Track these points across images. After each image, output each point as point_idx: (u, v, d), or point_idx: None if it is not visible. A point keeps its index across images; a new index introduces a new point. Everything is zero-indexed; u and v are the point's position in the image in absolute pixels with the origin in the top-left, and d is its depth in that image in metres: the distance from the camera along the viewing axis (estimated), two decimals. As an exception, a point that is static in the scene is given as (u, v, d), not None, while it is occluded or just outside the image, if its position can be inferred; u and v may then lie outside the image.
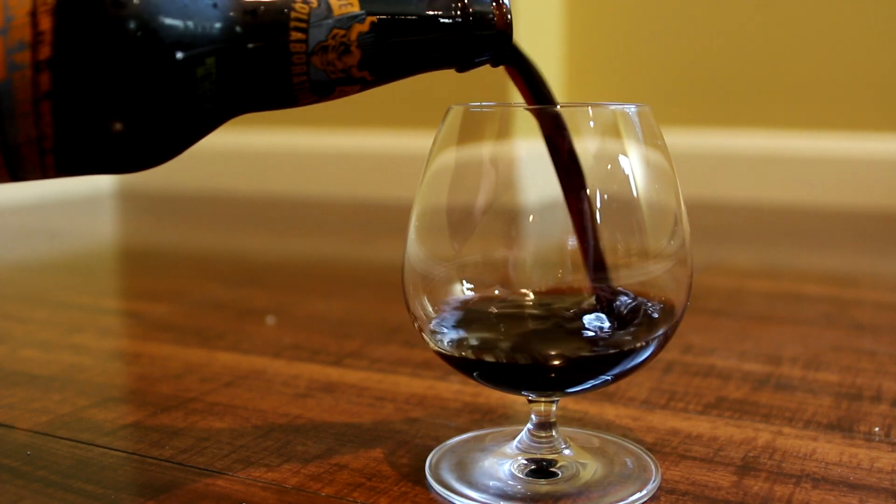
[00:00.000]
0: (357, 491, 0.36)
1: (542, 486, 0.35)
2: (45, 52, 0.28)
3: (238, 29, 0.31)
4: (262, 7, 0.31)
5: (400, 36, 0.32)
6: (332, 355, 0.55)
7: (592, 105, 0.34)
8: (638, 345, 0.34)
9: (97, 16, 0.28)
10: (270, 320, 0.64)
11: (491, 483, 0.35)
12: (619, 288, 0.35)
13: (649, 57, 1.33)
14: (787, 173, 1.24)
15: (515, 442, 0.38)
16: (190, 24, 0.30)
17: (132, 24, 0.28)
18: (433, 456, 0.38)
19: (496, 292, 0.37)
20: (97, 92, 0.29)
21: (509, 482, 0.36)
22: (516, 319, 0.37)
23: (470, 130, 0.35)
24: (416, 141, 1.25)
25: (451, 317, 0.36)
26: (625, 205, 0.34)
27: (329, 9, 0.31)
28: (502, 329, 0.37)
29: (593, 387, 0.36)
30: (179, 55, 0.29)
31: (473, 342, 0.35)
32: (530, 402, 0.37)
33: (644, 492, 0.35)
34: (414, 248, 0.36)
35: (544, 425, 0.37)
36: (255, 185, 1.48)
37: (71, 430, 0.43)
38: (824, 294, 0.72)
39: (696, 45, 1.30)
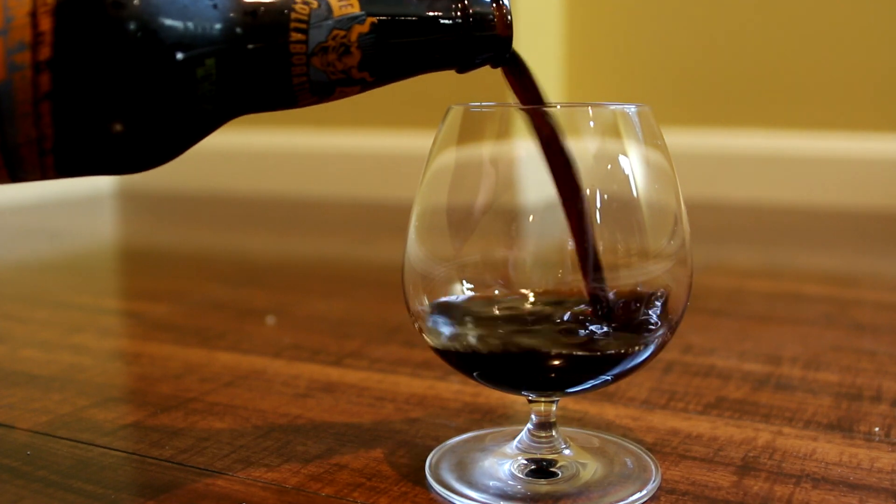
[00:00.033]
0: (357, 491, 0.36)
1: (542, 486, 0.35)
2: (45, 52, 0.28)
3: (238, 30, 0.31)
4: (263, 8, 0.31)
5: (400, 37, 0.32)
6: (332, 355, 0.55)
7: (592, 105, 0.34)
8: (638, 345, 0.34)
9: (97, 17, 0.28)
10: (270, 320, 0.64)
11: (491, 483, 0.35)
12: (619, 288, 0.35)
13: (649, 57, 1.33)
14: (787, 173, 1.24)
15: (515, 442, 0.38)
16: (190, 24, 0.30)
17: (132, 25, 0.28)
18: (433, 456, 0.39)
19: (496, 292, 0.37)
20: (97, 93, 0.29)
21: (509, 482, 0.36)
22: (516, 319, 0.37)
23: (470, 130, 0.35)
24: (416, 141, 1.25)
25: (452, 317, 0.36)
26: (625, 205, 0.34)
27: (329, 10, 0.31)
28: (502, 329, 0.37)
29: (593, 387, 0.36)
30: (179, 56, 0.29)
31: (473, 342, 0.35)
32: (530, 402, 0.37)
33: (644, 492, 0.35)
34: (414, 248, 0.36)
35: (544, 425, 0.37)
36: (255, 185, 1.48)
37: (71, 430, 0.43)
38: (824, 294, 0.72)
39: (696, 45, 1.30)
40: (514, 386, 0.36)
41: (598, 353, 0.35)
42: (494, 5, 0.33)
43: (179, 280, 0.83)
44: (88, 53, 0.28)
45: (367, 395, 0.47)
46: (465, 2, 0.33)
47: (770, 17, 1.25)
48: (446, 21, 0.32)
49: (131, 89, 0.29)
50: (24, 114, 0.28)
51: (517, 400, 0.46)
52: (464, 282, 0.36)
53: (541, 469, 0.36)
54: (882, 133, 1.20)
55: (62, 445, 0.41)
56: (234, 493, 0.36)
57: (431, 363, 0.52)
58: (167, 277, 0.85)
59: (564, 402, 0.45)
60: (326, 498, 0.35)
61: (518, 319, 0.37)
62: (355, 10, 0.31)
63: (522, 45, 0.35)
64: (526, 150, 0.35)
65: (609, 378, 0.35)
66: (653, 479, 0.36)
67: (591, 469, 0.37)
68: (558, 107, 0.35)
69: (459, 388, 0.48)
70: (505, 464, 0.37)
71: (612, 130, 0.34)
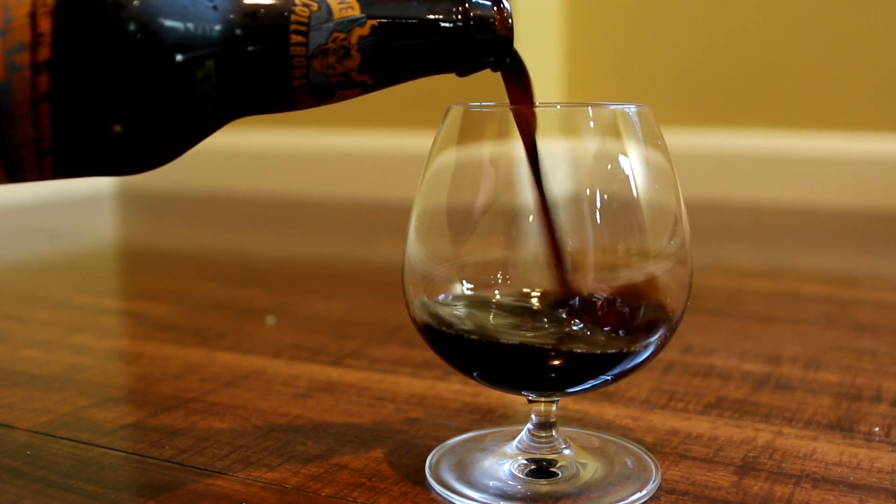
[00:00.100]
0: (357, 491, 0.36)
1: (542, 486, 0.35)
2: (44, 53, 0.28)
3: (238, 31, 0.31)
4: (263, 10, 0.31)
5: (400, 40, 0.32)
6: (332, 355, 0.55)
7: (592, 105, 0.34)
8: (638, 345, 0.34)
9: (97, 17, 0.28)
10: (270, 320, 0.64)
11: (491, 483, 0.35)
12: (619, 288, 0.35)
13: (649, 57, 1.33)
14: (787, 173, 1.24)
15: (515, 442, 0.38)
16: (190, 26, 0.30)
17: (132, 26, 0.28)
18: (433, 456, 0.39)
19: (496, 292, 0.37)
20: (96, 94, 0.29)
21: (509, 482, 0.36)
22: (516, 320, 0.37)
23: (470, 130, 0.35)
24: (416, 141, 1.25)
25: (451, 317, 0.36)
26: (625, 205, 0.34)
27: (329, 12, 0.31)
28: (502, 329, 0.37)
29: (593, 387, 0.36)
30: (179, 57, 0.29)
31: (474, 342, 0.35)
32: (530, 402, 0.37)
33: (644, 492, 0.35)
34: (414, 248, 0.36)
35: (544, 425, 0.37)
36: (255, 185, 1.48)
37: (71, 430, 0.43)
38: (824, 294, 0.72)
39: (696, 45, 1.30)
40: (514, 386, 0.36)
41: (598, 353, 0.35)
42: (495, 8, 0.33)
43: (179, 280, 0.83)
44: (88, 54, 0.28)
45: (367, 395, 0.47)
46: (466, 5, 0.33)
47: (770, 17, 1.25)
48: (447, 24, 0.32)
49: (130, 91, 0.29)
50: (22, 114, 0.28)
51: (517, 400, 0.46)
52: (464, 282, 0.36)
53: (541, 469, 0.36)
54: (882, 133, 1.20)
55: (62, 445, 0.41)
56: (234, 493, 0.36)
57: (431, 363, 0.52)
58: (167, 277, 0.85)
59: (564, 402, 0.45)
60: (326, 498, 0.35)
61: (518, 319, 0.37)
62: (355, 12, 0.31)
63: (522, 45, 0.35)
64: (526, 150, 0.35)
65: (609, 378, 0.35)
66: (653, 479, 0.36)
67: (591, 469, 0.37)
68: (558, 107, 0.35)
69: (459, 388, 0.48)
70: (505, 464, 0.37)
71: (612, 130, 0.34)
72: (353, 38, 0.31)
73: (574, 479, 0.36)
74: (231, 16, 0.31)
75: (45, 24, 0.28)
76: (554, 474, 0.36)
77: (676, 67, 1.31)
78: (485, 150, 0.35)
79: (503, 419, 0.44)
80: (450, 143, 0.35)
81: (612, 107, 0.34)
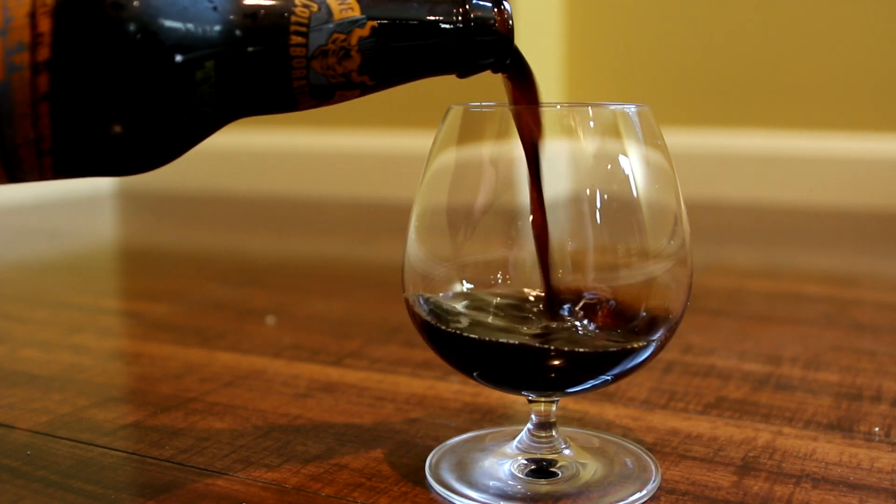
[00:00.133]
0: (357, 491, 0.36)
1: (542, 486, 0.35)
2: (43, 53, 0.28)
3: (238, 32, 0.31)
4: (263, 11, 0.31)
5: (401, 41, 0.32)
6: (332, 355, 0.55)
7: (592, 105, 0.34)
8: (638, 345, 0.34)
9: (96, 18, 0.28)
10: (270, 320, 0.64)
11: (491, 483, 0.35)
12: (619, 288, 0.35)
13: (649, 57, 1.33)
14: (787, 173, 1.24)
15: (515, 442, 0.38)
16: (189, 26, 0.30)
17: (131, 27, 0.28)
18: (433, 456, 0.39)
19: (496, 292, 0.37)
20: (96, 94, 0.29)
21: (509, 482, 0.36)
22: (516, 319, 0.37)
23: (470, 130, 0.35)
24: (416, 141, 1.25)
25: (451, 317, 0.36)
26: (625, 205, 0.34)
27: (330, 13, 0.31)
28: (502, 329, 0.37)
29: (593, 387, 0.36)
30: (179, 58, 0.29)
31: (474, 342, 0.35)
32: (530, 402, 0.37)
33: (644, 492, 0.35)
34: (414, 248, 0.36)
35: (544, 425, 0.37)
36: (255, 185, 1.48)
37: (71, 430, 0.43)
38: (824, 294, 0.72)
39: (696, 45, 1.30)
40: (514, 386, 0.36)
41: (598, 353, 0.35)
42: (496, 10, 0.33)
43: (179, 280, 0.83)
44: (87, 55, 0.28)
45: (367, 395, 0.47)
46: (467, 6, 0.32)
47: (770, 17, 1.25)
48: (447, 25, 0.32)
49: (130, 91, 0.29)
50: (22, 114, 0.28)
51: (517, 400, 0.46)
52: (464, 282, 0.36)
53: (541, 469, 0.36)
54: (882, 133, 1.20)
55: (62, 445, 0.41)
56: (234, 493, 0.36)
57: (431, 363, 0.52)
58: (167, 277, 0.85)
59: (564, 402, 0.45)
60: (326, 498, 0.35)
61: (518, 319, 0.37)
62: (356, 13, 0.31)
63: (522, 45, 0.35)
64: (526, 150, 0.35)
65: (609, 378, 0.35)
66: (653, 479, 0.36)
67: (591, 469, 0.37)
68: (558, 107, 0.35)
69: (459, 388, 0.48)
70: (505, 464, 0.37)
71: (612, 130, 0.34)
72: (353, 40, 0.31)
73: (574, 479, 0.36)
74: (231, 16, 0.31)
75: (44, 25, 0.28)
76: (554, 474, 0.36)
77: (676, 67, 1.31)
78: (485, 150, 0.35)
79: (503, 419, 0.44)
80: (450, 143, 0.35)
81: (612, 107, 0.34)
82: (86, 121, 0.29)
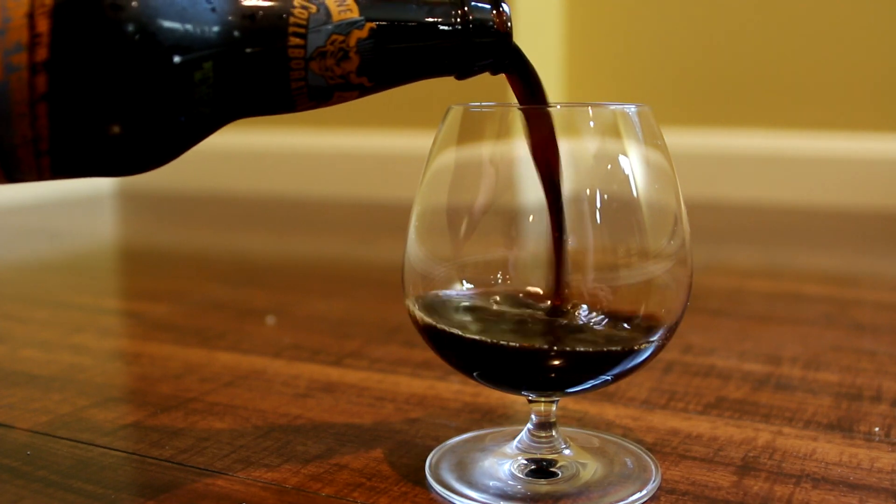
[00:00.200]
0: (357, 491, 0.36)
1: (542, 486, 0.35)
2: (41, 54, 0.28)
3: (236, 33, 0.31)
4: (261, 12, 0.31)
5: (399, 42, 0.32)
6: (332, 355, 0.55)
7: (592, 105, 0.34)
8: (638, 345, 0.34)
9: (95, 18, 0.28)
10: (270, 320, 0.64)
11: (491, 483, 0.35)
12: (619, 288, 0.35)
13: (649, 57, 1.33)
14: (787, 173, 1.24)
15: (515, 442, 0.38)
16: (188, 27, 0.30)
17: (130, 27, 0.28)
18: (433, 456, 0.38)
19: (496, 292, 0.37)
20: (94, 94, 0.29)
21: (509, 482, 0.36)
22: (516, 319, 0.37)
23: (470, 130, 0.35)
24: (416, 141, 1.25)
25: (451, 317, 0.36)
26: (625, 205, 0.34)
27: (328, 14, 0.31)
28: (502, 329, 0.37)
29: (593, 387, 0.36)
30: (177, 59, 0.29)
31: (474, 342, 0.35)
32: (530, 402, 0.37)
33: (644, 492, 0.35)
34: (414, 248, 0.36)
35: (544, 425, 0.37)
36: (255, 185, 1.48)
37: (71, 430, 0.43)
38: (824, 294, 0.72)
39: (696, 45, 1.30)
40: (514, 386, 0.36)
41: (598, 353, 0.35)
42: (494, 12, 0.33)
43: (179, 280, 0.83)
44: (85, 55, 0.28)
45: (367, 395, 0.47)
46: (465, 8, 0.32)
47: (770, 17, 1.25)
48: (446, 27, 0.32)
49: (128, 92, 0.29)
50: (20, 115, 0.28)
51: (517, 400, 0.46)
52: (464, 282, 0.36)
53: (541, 469, 0.36)
54: (882, 133, 1.20)
55: (62, 445, 0.41)
56: (234, 493, 0.36)
57: (431, 363, 0.52)
58: (167, 277, 0.85)
59: (564, 402, 0.45)
60: (326, 498, 0.35)
61: (518, 319, 0.37)
62: (354, 15, 0.31)
63: (522, 45, 0.35)
64: (526, 150, 0.35)
65: (609, 378, 0.35)
66: (653, 479, 0.36)
67: (591, 469, 0.37)
68: (558, 107, 0.35)
69: (459, 388, 0.48)
70: (505, 464, 0.37)
71: (612, 130, 0.34)
72: (352, 41, 0.31)
73: (574, 479, 0.36)
74: (229, 17, 0.31)
75: (42, 25, 0.28)
76: (554, 474, 0.36)
77: (676, 67, 1.31)
78: (485, 150, 0.35)
79: (503, 419, 0.44)
80: (450, 143, 0.35)
81: (612, 107, 0.34)
82: (84, 121, 0.29)
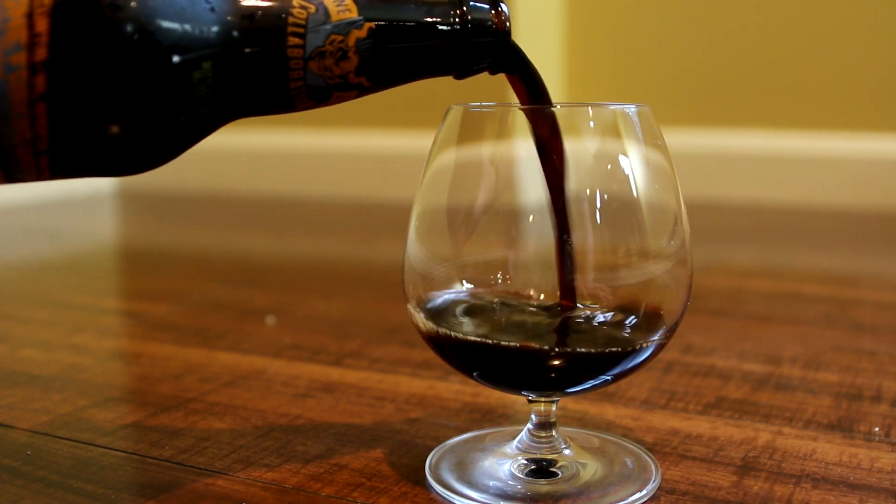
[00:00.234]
0: (357, 491, 0.36)
1: (542, 486, 0.35)
2: (41, 53, 0.28)
3: (235, 33, 0.31)
4: (260, 12, 0.31)
5: (398, 42, 0.32)
6: (332, 355, 0.55)
7: (592, 105, 0.34)
8: (638, 345, 0.34)
9: (94, 18, 0.28)
10: (270, 320, 0.64)
11: (491, 483, 0.35)
12: (619, 288, 0.35)
13: (649, 57, 1.33)
14: (787, 173, 1.24)
15: (515, 442, 0.38)
16: (187, 27, 0.30)
17: (129, 27, 0.28)
18: (433, 456, 0.38)
19: (496, 292, 0.37)
20: (93, 94, 0.29)
21: (509, 482, 0.36)
22: (516, 320, 0.37)
23: (470, 130, 0.35)
24: (416, 141, 1.25)
25: (451, 317, 0.36)
26: (625, 205, 0.34)
27: (327, 14, 0.31)
28: (502, 329, 0.37)
29: (593, 387, 0.36)
30: (176, 59, 0.29)
31: (473, 342, 0.35)
32: (530, 402, 0.37)
33: (644, 492, 0.35)
34: (414, 248, 0.36)
35: (544, 425, 0.37)
36: (255, 185, 1.48)
37: (71, 430, 0.43)
38: (824, 294, 0.72)
39: (696, 45, 1.30)
40: (514, 386, 0.36)
41: (599, 353, 0.35)
42: (493, 11, 0.33)
43: (179, 280, 0.83)
44: (85, 55, 0.28)
45: (367, 395, 0.47)
46: (464, 8, 0.32)
47: (770, 17, 1.25)
48: (444, 27, 0.32)
49: (127, 91, 0.29)
50: (19, 115, 0.28)
51: (517, 400, 0.46)
52: (464, 282, 0.36)
53: (541, 469, 0.36)
54: (882, 133, 1.20)
55: (62, 445, 0.41)
56: (234, 493, 0.36)
57: (431, 363, 0.52)
58: (167, 277, 0.85)
59: (564, 402, 0.45)
60: (326, 498, 0.35)
61: (518, 319, 0.37)
62: (353, 15, 0.31)
63: (522, 45, 0.35)
64: (526, 150, 0.35)
65: (609, 378, 0.35)
66: (653, 479, 0.36)
67: (591, 469, 0.37)
68: (558, 107, 0.35)
69: (459, 388, 0.48)
70: (505, 464, 0.37)
71: (612, 130, 0.34)
72: (351, 41, 0.31)
73: (574, 479, 0.36)
74: (228, 17, 0.31)
75: (42, 25, 0.28)
76: (554, 474, 0.36)
77: (676, 67, 1.31)
78: (485, 150, 0.35)
79: (503, 419, 0.44)
80: (450, 143, 0.35)
81: (612, 107, 0.34)
82: (83, 121, 0.29)
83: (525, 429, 0.38)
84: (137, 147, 0.30)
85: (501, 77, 0.36)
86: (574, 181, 0.35)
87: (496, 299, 0.37)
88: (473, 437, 0.41)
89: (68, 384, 0.50)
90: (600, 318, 0.36)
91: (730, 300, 0.69)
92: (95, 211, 1.37)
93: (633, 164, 0.34)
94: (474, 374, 0.36)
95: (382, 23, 0.32)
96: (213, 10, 0.30)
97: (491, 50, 0.33)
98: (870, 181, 1.19)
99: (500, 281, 0.37)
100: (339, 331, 0.61)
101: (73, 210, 1.35)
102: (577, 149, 0.34)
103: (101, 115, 0.29)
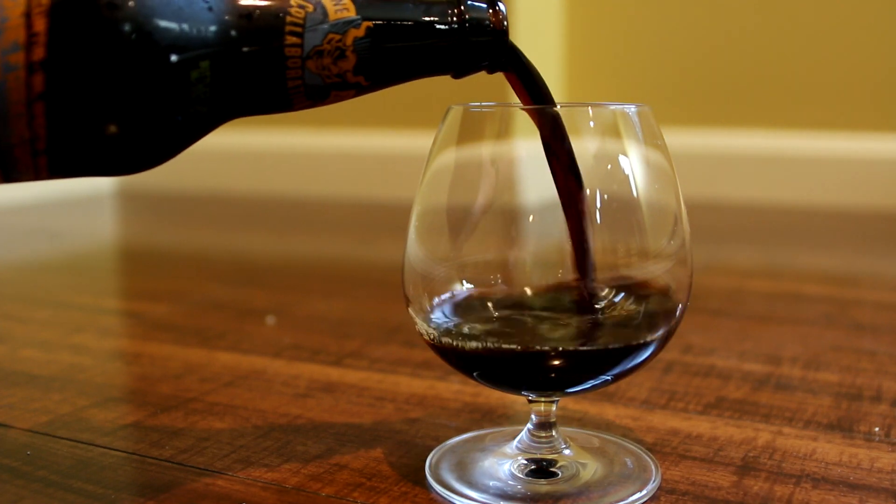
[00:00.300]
0: (357, 491, 0.36)
1: (542, 486, 0.35)
2: (38, 53, 0.28)
3: (233, 32, 0.31)
4: (258, 11, 0.31)
5: (395, 41, 0.32)
6: (332, 355, 0.55)
7: (592, 105, 0.34)
8: (638, 344, 0.34)
9: (92, 18, 0.28)
10: (270, 320, 0.64)
11: (491, 483, 0.35)
12: (620, 288, 0.35)
13: (649, 57, 1.33)
14: (787, 173, 1.24)
15: (515, 442, 0.38)
16: (185, 26, 0.30)
17: (127, 27, 0.28)
18: (433, 456, 0.38)
19: (496, 292, 0.37)
20: (91, 94, 0.29)
21: (509, 482, 0.36)
22: (516, 319, 0.37)
23: (470, 130, 0.35)
24: (416, 141, 1.25)
25: (451, 317, 0.36)
26: (625, 205, 0.34)
27: (325, 13, 0.31)
28: (502, 329, 0.37)
29: (593, 387, 0.36)
30: (174, 58, 0.29)
31: (473, 342, 0.35)
32: (530, 402, 0.37)
33: (644, 492, 0.35)
34: (414, 248, 0.36)
35: (544, 425, 0.37)
36: (255, 185, 1.48)
37: (71, 430, 0.43)
38: (824, 294, 0.72)
39: (696, 45, 1.29)
40: (514, 386, 0.36)
41: (599, 353, 0.35)
42: (491, 11, 0.33)
43: (179, 280, 0.83)
44: (83, 54, 0.28)
45: (367, 395, 0.47)
46: (462, 7, 0.32)
47: (770, 17, 1.25)
48: (442, 26, 0.32)
49: (125, 91, 0.29)
50: (17, 114, 0.28)
51: (517, 400, 0.46)
52: (464, 282, 0.36)
53: (541, 469, 0.36)
54: (882, 133, 1.20)
55: (62, 445, 0.41)
56: (234, 493, 0.36)
57: (431, 363, 0.52)
58: (167, 277, 0.85)
59: (564, 402, 0.45)
60: (326, 498, 0.35)
61: (518, 319, 0.37)
62: (351, 14, 0.31)
63: (522, 45, 0.35)
64: (526, 150, 0.35)
65: (609, 378, 0.35)
66: (653, 479, 0.36)
67: (591, 469, 0.37)
68: (558, 107, 0.35)
69: (459, 388, 0.48)
70: (505, 464, 0.37)
71: (612, 130, 0.34)
72: (349, 40, 0.31)
73: (574, 479, 0.36)
74: (226, 17, 0.31)
75: (40, 24, 0.28)
76: (554, 474, 0.36)
77: (676, 67, 1.31)
78: (485, 150, 0.35)
79: (503, 419, 0.44)
80: (450, 143, 0.35)
81: (612, 107, 0.34)
82: (81, 121, 0.29)
83: (525, 429, 0.38)
84: (136, 146, 0.30)
85: (501, 77, 0.36)
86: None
87: (496, 299, 0.37)
88: (473, 437, 0.41)
89: (68, 384, 0.50)
90: (600, 317, 0.36)
91: (730, 300, 0.69)
92: (95, 211, 1.37)
93: (633, 164, 0.34)
94: (474, 374, 0.36)
95: (380, 22, 0.32)
96: (210, 9, 0.30)
97: (488, 49, 0.33)
98: (870, 181, 1.19)
99: (500, 281, 0.37)
100: (339, 331, 0.61)
101: (73, 210, 1.35)
102: (578, 149, 0.34)
103: (99, 114, 0.29)
